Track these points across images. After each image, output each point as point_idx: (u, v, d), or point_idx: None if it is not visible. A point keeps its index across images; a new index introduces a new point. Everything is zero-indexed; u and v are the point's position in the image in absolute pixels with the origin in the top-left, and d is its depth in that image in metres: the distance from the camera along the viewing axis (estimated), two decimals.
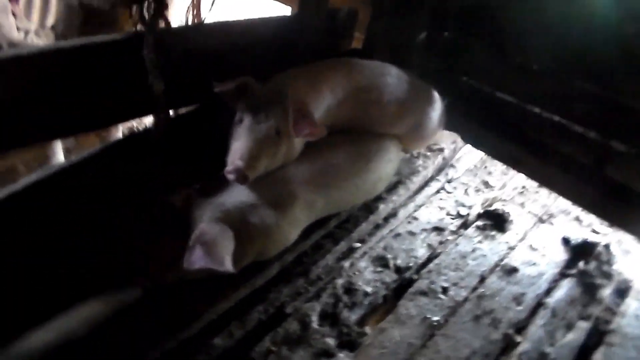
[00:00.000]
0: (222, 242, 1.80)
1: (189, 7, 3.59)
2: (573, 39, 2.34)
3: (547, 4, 2.38)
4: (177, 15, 4.10)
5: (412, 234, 2.60)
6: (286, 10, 3.79)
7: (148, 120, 3.56)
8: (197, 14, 3.54)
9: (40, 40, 5.08)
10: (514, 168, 2.86)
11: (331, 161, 2.25)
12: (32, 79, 1.78)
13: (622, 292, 2.41)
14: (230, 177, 1.92)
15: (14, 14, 4.50)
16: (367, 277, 2.33)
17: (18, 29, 4.77)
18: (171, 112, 2.17)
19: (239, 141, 1.97)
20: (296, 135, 2.03)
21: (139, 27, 1.93)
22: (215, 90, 2.02)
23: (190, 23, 3.70)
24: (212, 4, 2.71)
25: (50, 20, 5.30)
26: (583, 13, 2.26)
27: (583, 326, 2.22)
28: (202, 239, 1.77)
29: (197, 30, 2.40)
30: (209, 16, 2.88)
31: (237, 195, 2.02)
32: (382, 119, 2.49)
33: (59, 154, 2.75)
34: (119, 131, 3.17)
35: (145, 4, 1.90)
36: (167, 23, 1.97)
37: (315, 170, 2.19)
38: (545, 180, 2.73)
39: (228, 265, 1.75)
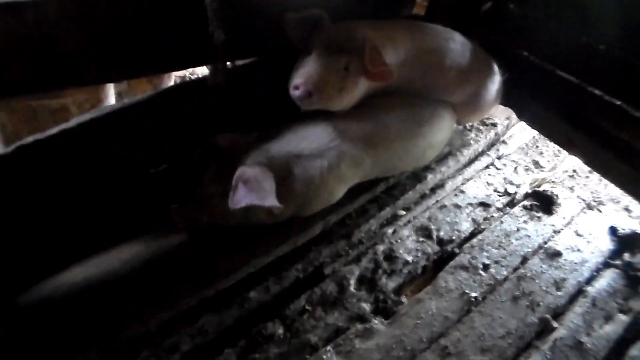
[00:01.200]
0: (265, 180, 1.80)
1: None
2: None
3: None
4: None
5: (457, 207, 2.58)
6: None
7: (199, 71, 3.57)
8: None
9: None
10: (567, 150, 2.78)
11: (383, 121, 2.20)
12: (91, 18, 1.77)
13: None
14: (295, 93, 1.91)
15: None
16: (408, 246, 2.31)
17: None
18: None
19: (307, 66, 1.96)
20: (372, 69, 1.99)
21: None
22: (288, 16, 2.00)
23: None
24: None
25: None
26: None
27: (622, 319, 2.18)
28: (244, 177, 1.77)
29: None
30: None
31: (284, 145, 2.01)
32: (440, 84, 2.43)
33: (111, 97, 2.75)
34: (172, 79, 3.16)
35: None
36: None
37: (366, 128, 2.14)
38: (598, 165, 2.65)
39: (272, 200, 1.75)
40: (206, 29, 1.95)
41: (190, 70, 3.67)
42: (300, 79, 1.91)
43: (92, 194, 2.03)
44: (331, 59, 1.97)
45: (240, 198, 1.73)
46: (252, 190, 1.74)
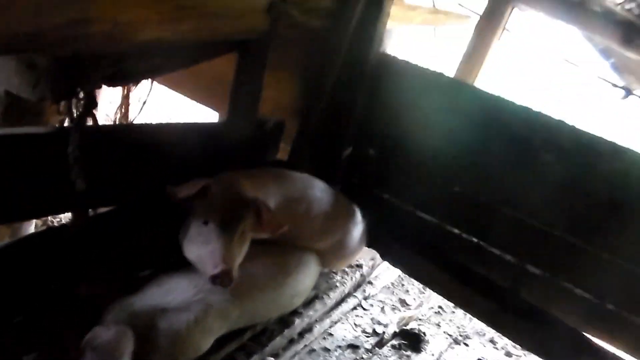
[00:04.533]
0: (118, 345, 1.72)
1: (119, 107, 3.57)
2: (491, 163, 2.43)
3: (466, 131, 2.47)
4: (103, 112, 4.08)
5: (326, 350, 2.55)
6: (214, 116, 3.81)
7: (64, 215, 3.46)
8: (125, 114, 3.51)
9: None
10: (431, 288, 2.88)
11: (250, 271, 2.18)
12: None
13: None
14: (216, 281, 1.89)
15: None
16: None
17: None
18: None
19: (213, 243, 1.94)
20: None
21: (66, 122, 1.90)
22: (180, 195, 2.01)
23: (117, 122, 3.66)
24: (143, 105, 2.71)
25: None
26: (500, 139, 2.36)
27: None
28: (94, 343, 1.70)
29: (126, 130, 2.38)
30: (138, 117, 2.87)
31: (149, 299, 1.97)
32: (307, 233, 2.49)
33: None
34: (32, 223, 3.05)
35: (74, 101, 1.88)
36: (95, 121, 1.95)
37: None
38: (461, 301, 2.75)
39: None
40: (68, 177, 1.91)
41: None
42: (216, 269, 1.88)
43: None
44: (233, 229, 1.98)
45: None
46: (100, 358, 1.68)
